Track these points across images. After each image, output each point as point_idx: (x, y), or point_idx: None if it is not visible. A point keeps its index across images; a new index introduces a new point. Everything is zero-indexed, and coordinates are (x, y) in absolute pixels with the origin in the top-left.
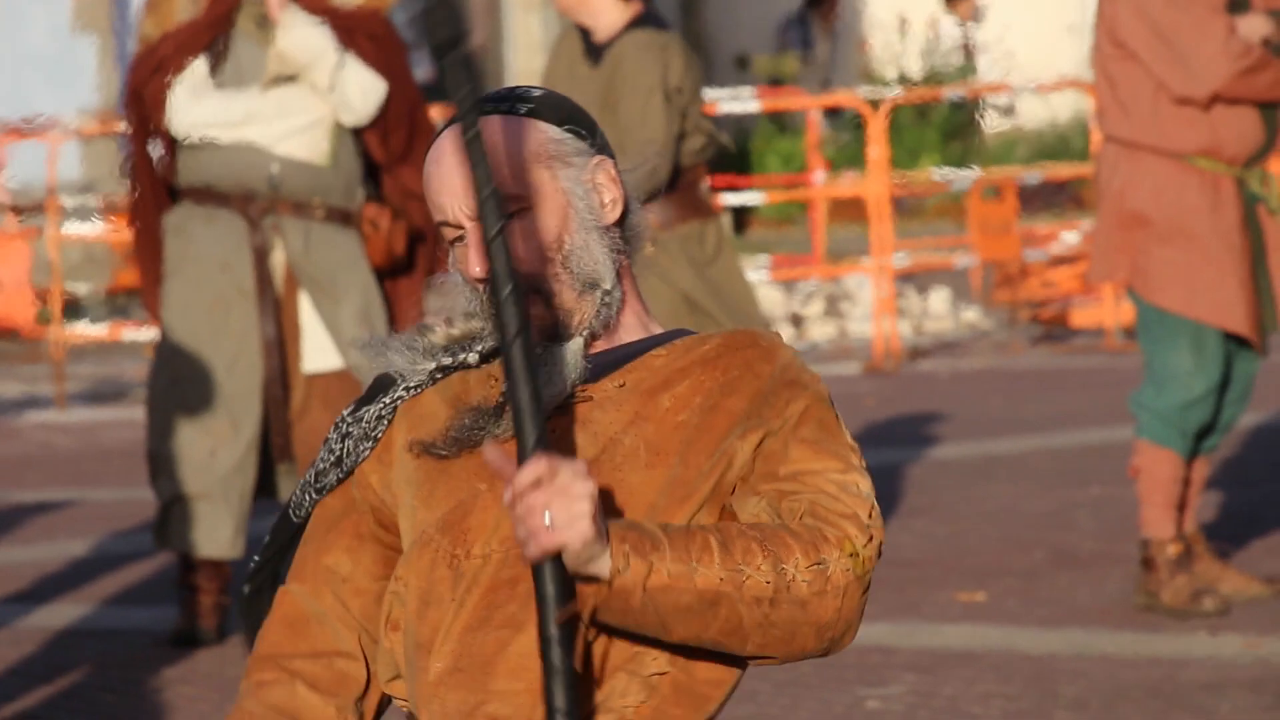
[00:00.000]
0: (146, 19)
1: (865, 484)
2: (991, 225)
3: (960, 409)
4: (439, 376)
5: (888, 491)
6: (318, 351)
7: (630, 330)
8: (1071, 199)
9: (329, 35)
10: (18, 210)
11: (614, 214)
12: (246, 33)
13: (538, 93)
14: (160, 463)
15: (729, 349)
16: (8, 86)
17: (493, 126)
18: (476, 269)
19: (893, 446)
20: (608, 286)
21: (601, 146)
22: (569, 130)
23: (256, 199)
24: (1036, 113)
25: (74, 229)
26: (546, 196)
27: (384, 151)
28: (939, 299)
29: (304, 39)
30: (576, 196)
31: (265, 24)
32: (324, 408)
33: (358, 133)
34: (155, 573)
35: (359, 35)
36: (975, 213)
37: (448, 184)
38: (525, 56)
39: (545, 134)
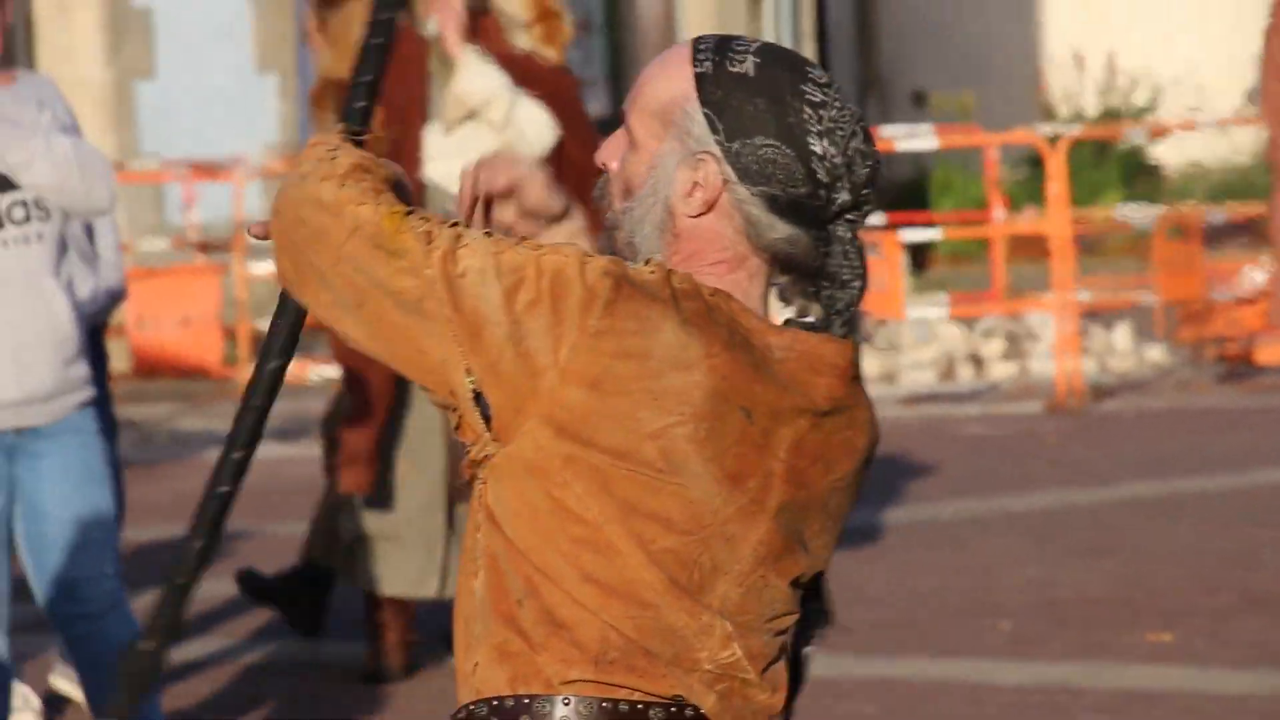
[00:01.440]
0: (326, 52)
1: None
2: (1175, 263)
3: (1145, 448)
4: None
5: (1072, 531)
6: None
7: None
8: (1257, 235)
9: (503, 74)
10: (205, 248)
11: (691, 208)
12: (432, 73)
13: (738, 67)
14: (344, 501)
15: None
16: (193, 126)
17: (677, 55)
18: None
19: (1077, 486)
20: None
21: (735, 154)
22: (706, 114)
23: None
24: (1219, 148)
25: (260, 267)
26: (643, 146)
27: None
28: (1122, 337)
29: (481, 80)
30: (662, 168)
31: (446, 64)
32: None
33: None
34: (345, 608)
35: (532, 81)
36: (1159, 250)
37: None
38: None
39: (683, 99)
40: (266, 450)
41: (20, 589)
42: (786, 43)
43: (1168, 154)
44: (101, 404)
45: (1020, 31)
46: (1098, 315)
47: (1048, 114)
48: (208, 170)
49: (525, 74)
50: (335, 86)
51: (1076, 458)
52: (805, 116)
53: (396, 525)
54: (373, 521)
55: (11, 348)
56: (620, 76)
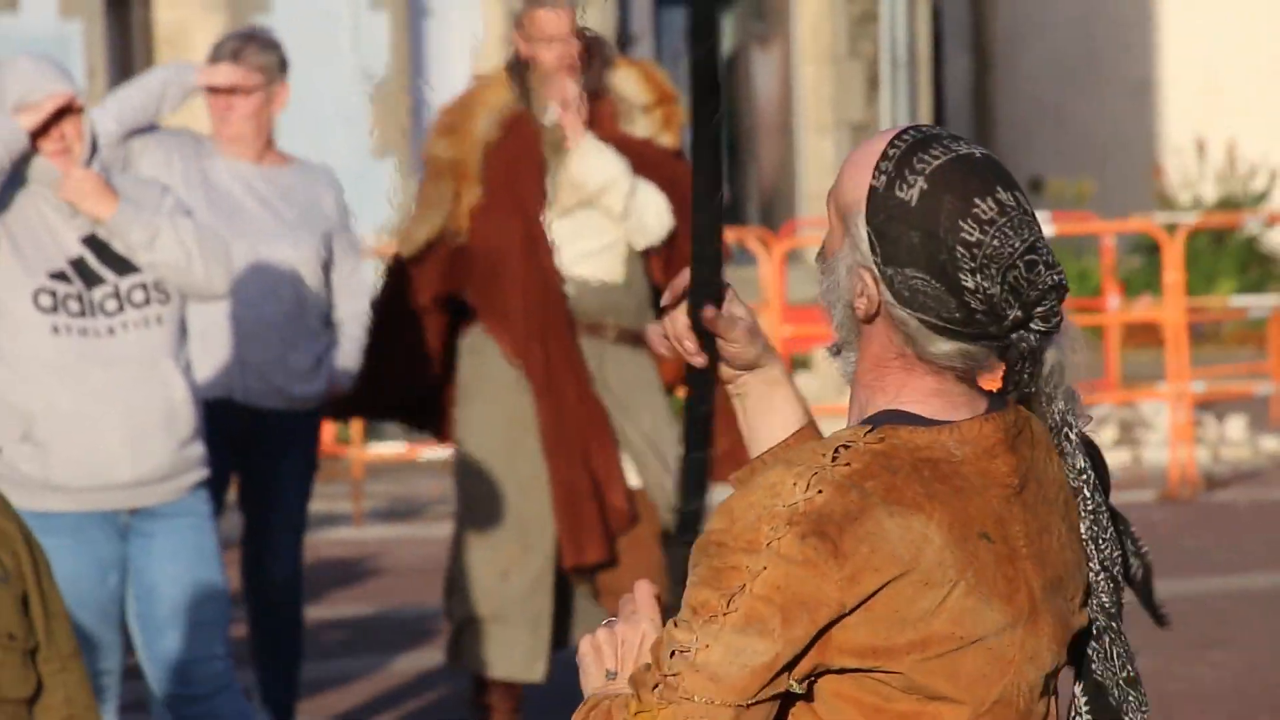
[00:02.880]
0: (439, 140)
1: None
2: None
3: (1259, 539)
4: None
5: (1185, 622)
6: None
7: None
8: None
9: (622, 161)
10: None
11: (860, 312)
12: (548, 160)
13: (905, 192)
14: (454, 583)
15: None
16: None
17: (868, 153)
18: None
19: (1189, 576)
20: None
21: (890, 278)
22: (869, 233)
23: None
24: None
25: None
26: (834, 230)
27: (669, 274)
28: (1237, 426)
29: (599, 166)
30: (841, 264)
31: (560, 149)
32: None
33: (645, 255)
34: (452, 692)
35: (649, 168)
36: (1275, 339)
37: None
38: (817, 178)
39: (856, 208)
40: (378, 531)
41: (132, 668)
42: None
43: None
44: (305, 482)
45: (1139, 117)
46: (1212, 405)
47: (1165, 201)
48: None
49: (642, 160)
50: (453, 169)
51: (1189, 547)
52: (959, 255)
53: (505, 607)
54: (481, 603)
55: (128, 430)
56: (736, 160)
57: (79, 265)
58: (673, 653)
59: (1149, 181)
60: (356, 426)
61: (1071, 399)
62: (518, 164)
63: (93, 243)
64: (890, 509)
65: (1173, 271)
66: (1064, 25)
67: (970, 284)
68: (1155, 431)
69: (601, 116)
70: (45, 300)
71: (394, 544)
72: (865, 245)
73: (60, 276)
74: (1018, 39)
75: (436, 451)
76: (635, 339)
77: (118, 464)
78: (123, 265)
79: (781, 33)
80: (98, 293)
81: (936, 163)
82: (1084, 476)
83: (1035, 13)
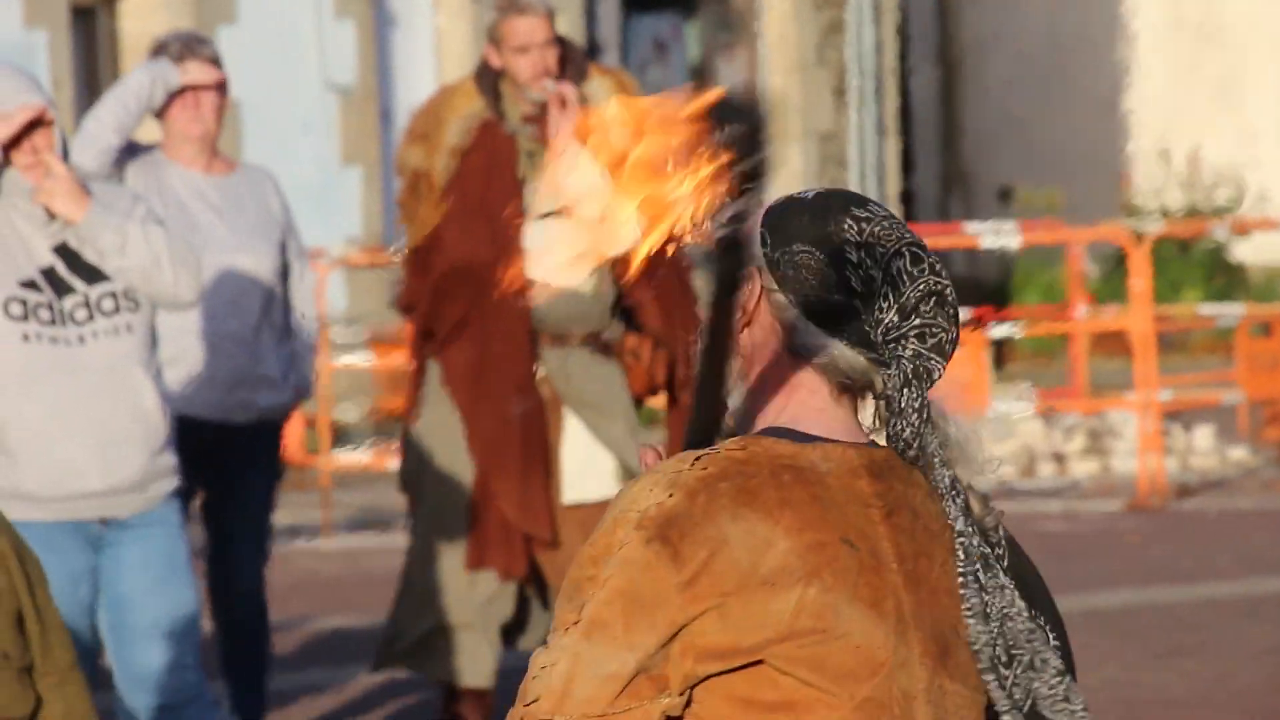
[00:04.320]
0: (412, 148)
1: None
2: (1260, 361)
3: (1227, 547)
4: None
5: (1153, 631)
6: (577, 481)
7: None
8: None
9: (599, 170)
10: None
11: (746, 313)
12: (523, 168)
13: (799, 195)
14: (415, 592)
15: None
16: None
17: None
18: None
19: (1158, 585)
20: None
21: (775, 261)
22: (762, 231)
23: None
24: None
25: (341, 358)
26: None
27: (642, 284)
28: (1205, 435)
29: (581, 173)
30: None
31: (535, 157)
32: (582, 540)
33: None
34: (421, 702)
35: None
36: (1243, 349)
37: None
38: (784, 186)
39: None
40: (347, 541)
41: (103, 678)
42: (870, 136)
43: (1251, 252)
44: (268, 495)
45: (1105, 127)
46: (1180, 414)
47: (1132, 210)
48: None
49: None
50: (424, 179)
51: (1158, 556)
52: (845, 226)
53: (474, 615)
54: (452, 611)
55: (99, 439)
56: None
57: (49, 274)
58: (533, 678)
59: (1116, 191)
60: (325, 436)
61: (967, 472)
62: (489, 173)
63: (63, 252)
64: (736, 513)
65: (1140, 279)
66: (1030, 35)
67: (854, 257)
68: (1123, 440)
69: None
70: (15, 309)
71: (362, 554)
72: (756, 245)
73: (30, 285)
74: (984, 49)
75: None
76: (604, 346)
77: (88, 473)
78: (93, 274)
79: (748, 42)
80: (68, 301)
81: (815, 192)
82: (960, 540)
83: (1001, 23)
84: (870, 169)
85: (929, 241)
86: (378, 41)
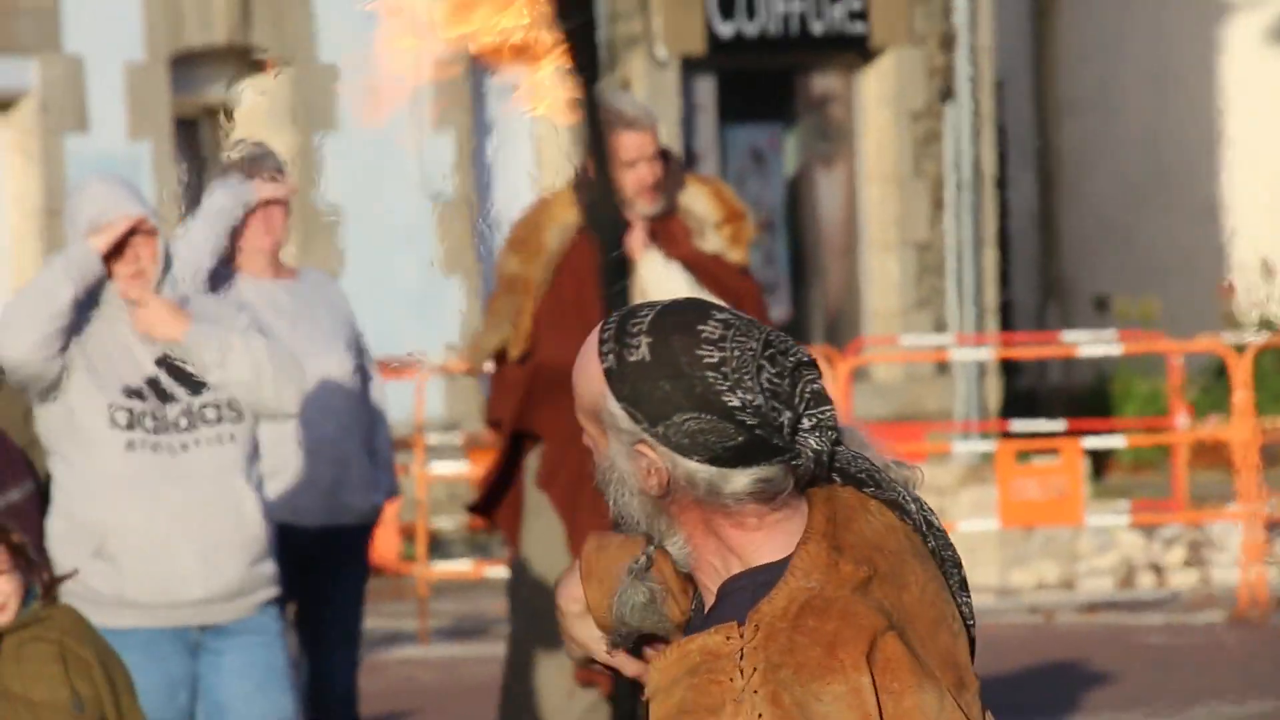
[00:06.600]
0: (511, 256)
1: None
2: None
3: None
4: None
5: None
6: None
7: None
8: None
9: (687, 277)
10: None
11: (655, 492)
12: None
13: (635, 354)
14: (516, 702)
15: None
16: (379, 325)
17: (588, 351)
18: None
19: (1259, 698)
20: (656, 542)
21: (664, 436)
22: (624, 408)
23: None
24: None
25: (439, 467)
26: (598, 445)
27: None
28: None
29: (663, 282)
30: (618, 465)
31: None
32: None
33: None
34: None
35: (717, 284)
36: None
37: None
38: (882, 297)
39: (602, 398)
40: (444, 650)
41: None
42: (968, 249)
43: None
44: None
45: (1206, 236)
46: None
47: (1233, 320)
48: (391, 369)
49: (710, 276)
50: (521, 285)
51: (1260, 669)
52: (711, 380)
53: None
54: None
55: (201, 547)
56: (801, 278)
57: (153, 384)
58: None
59: (1216, 300)
60: (422, 546)
61: (867, 450)
62: (586, 281)
63: (166, 362)
64: (810, 689)
65: (1241, 391)
66: (1130, 145)
67: (736, 402)
68: (1224, 552)
69: (669, 232)
70: (121, 417)
71: (460, 663)
72: (626, 421)
73: (135, 394)
74: (1083, 159)
75: (501, 570)
76: None
77: (189, 580)
78: (196, 384)
79: (846, 152)
80: (171, 410)
81: (649, 318)
82: (925, 514)
83: (1101, 133)
84: (968, 279)
85: (1027, 352)
86: (475, 150)
